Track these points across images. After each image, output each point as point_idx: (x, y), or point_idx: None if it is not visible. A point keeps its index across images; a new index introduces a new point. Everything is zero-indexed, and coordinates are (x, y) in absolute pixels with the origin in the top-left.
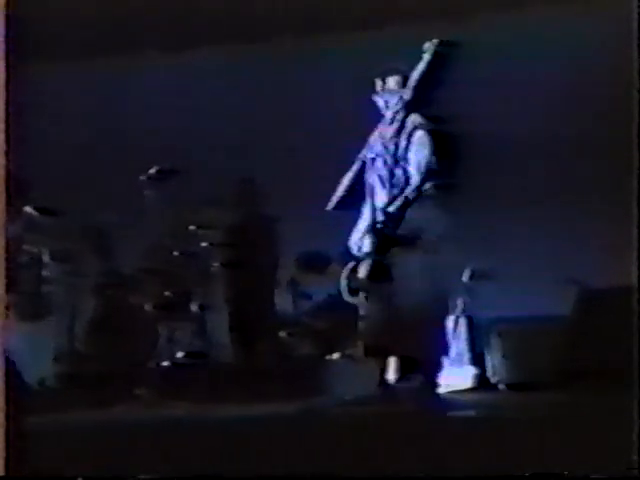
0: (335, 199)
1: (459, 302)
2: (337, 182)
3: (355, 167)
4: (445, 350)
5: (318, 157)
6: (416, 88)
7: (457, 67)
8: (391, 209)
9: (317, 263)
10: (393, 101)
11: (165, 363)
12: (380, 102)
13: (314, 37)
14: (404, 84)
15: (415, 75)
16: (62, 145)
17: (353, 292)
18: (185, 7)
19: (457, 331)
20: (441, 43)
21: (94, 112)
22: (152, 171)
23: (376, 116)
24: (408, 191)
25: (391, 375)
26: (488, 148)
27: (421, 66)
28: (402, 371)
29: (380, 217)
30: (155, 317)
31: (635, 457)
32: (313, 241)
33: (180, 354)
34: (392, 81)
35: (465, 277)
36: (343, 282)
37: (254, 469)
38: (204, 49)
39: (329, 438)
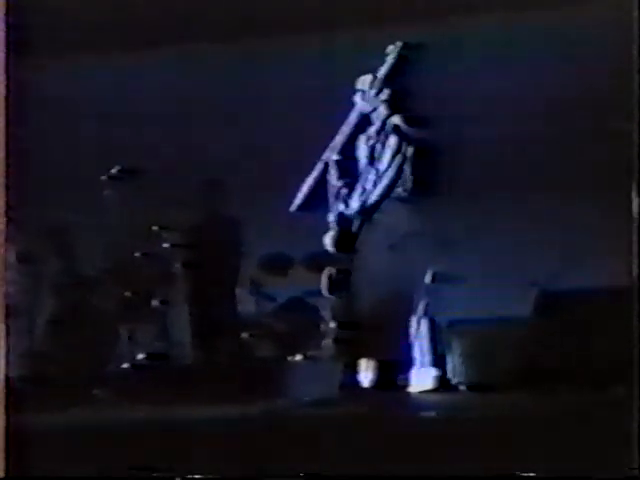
0: (298, 200)
1: (421, 303)
2: (300, 183)
3: (318, 168)
4: (409, 351)
5: (281, 158)
6: (386, 90)
7: (426, 69)
8: (357, 211)
9: (280, 264)
10: (368, 102)
11: (125, 365)
12: (357, 102)
13: (280, 37)
14: (375, 85)
15: (381, 77)
16: (21, 144)
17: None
18: (148, 5)
19: (419, 332)
20: (405, 45)
21: (53, 111)
22: (113, 171)
23: (341, 118)
24: (376, 194)
25: (363, 376)
26: (454, 150)
27: (386, 68)
28: (374, 372)
29: (345, 218)
30: (116, 318)
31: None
32: (276, 242)
33: (141, 355)
34: (365, 81)
35: (427, 278)
36: (324, 283)
37: (216, 470)
38: (168, 47)
39: (291, 439)
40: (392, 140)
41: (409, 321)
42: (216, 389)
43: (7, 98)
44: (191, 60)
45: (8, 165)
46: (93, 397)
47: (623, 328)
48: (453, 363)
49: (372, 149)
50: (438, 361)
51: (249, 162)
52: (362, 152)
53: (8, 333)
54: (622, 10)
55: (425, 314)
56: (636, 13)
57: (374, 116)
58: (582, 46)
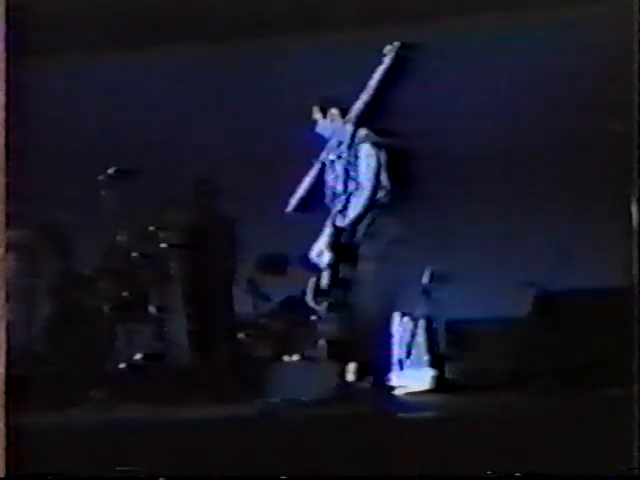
0: (295, 201)
1: (418, 304)
2: (297, 184)
3: (315, 169)
4: (404, 352)
5: (278, 158)
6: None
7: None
8: (346, 222)
9: (276, 265)
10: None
11: (122, 365)
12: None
13: (274, 38)
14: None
15: (374, 82)
16: (18, 145)
17: (318, 301)
18: (139, 7)
19: (416, 333)
20: (403, 46)
21: (49, 112)
22: (110, 171)
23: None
24: (361, 203)
25: (350, 377)
26: (447, 153)
27: (379, 73)
28: (360, 373)
29: (336, 230)
30: (113, 319)
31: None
32: (272, 243)
33: (138, 356)
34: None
35: (425, 279)
36: (309, 294)
37: (212, 470)
38: (167, 48)
39: (287, 439)
40: (364, 150)
41: (406, 322)
42: (212, 388)
43: (7, 98)
44: (190, 63)
45: (8, 166)
46: (90, 397)
47: (623, 328)
48: (450, 363)
49: (347, 164)
50: (435, 361)
51: (246, 163)
52: (338, 169)
53: (7, 333)
54: (622, 10)
55: (422, 314)
56: (636, 11)
57: (341, 134)
58: (580, 47)
